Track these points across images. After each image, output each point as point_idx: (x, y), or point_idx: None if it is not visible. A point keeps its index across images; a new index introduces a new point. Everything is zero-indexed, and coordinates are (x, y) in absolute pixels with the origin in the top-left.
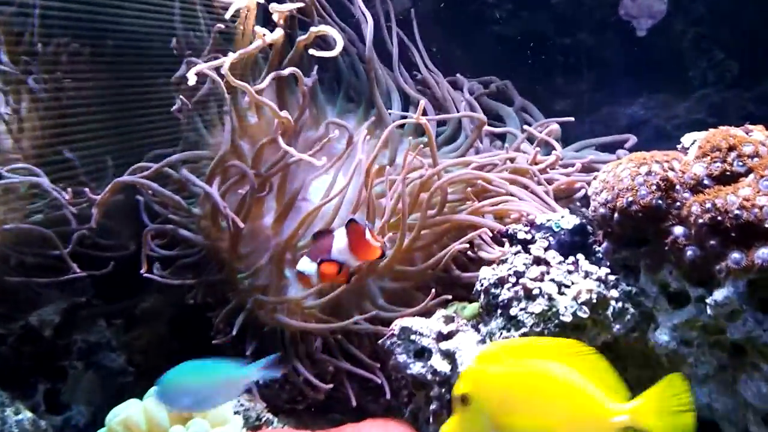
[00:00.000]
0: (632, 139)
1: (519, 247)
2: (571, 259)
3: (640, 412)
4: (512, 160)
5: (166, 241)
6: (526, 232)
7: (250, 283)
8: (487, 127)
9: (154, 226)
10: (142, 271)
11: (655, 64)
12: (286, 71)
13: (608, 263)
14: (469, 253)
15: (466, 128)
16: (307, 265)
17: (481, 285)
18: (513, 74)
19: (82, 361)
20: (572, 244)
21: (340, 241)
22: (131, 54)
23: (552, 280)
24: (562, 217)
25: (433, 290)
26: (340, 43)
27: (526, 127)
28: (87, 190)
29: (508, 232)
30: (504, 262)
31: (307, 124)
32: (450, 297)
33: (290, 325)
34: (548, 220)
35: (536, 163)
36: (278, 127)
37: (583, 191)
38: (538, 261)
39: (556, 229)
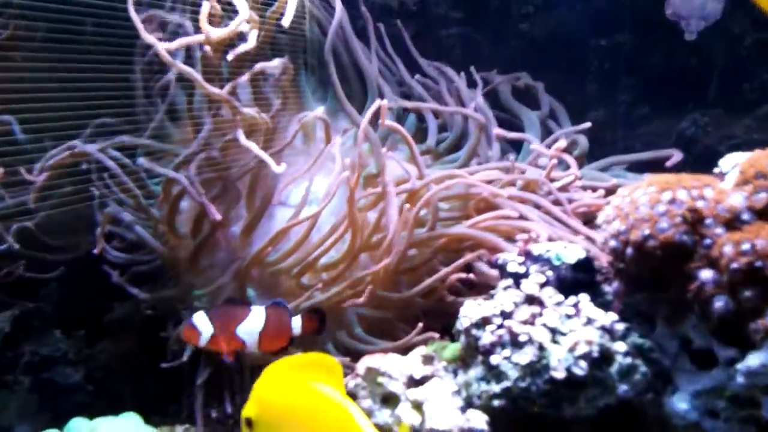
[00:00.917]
0: (676, 156)
1: (510, 281)
2: (572, 299)
3: None
4: (522, 172)
5: (124, 245)
6: (519, 264)
7: (207, 302)
8: (499, 131)
9: (115, 208)
10: (95, 251)
11: (707, 73)
12: (268, 66)
13: (618, 307)
14: (471, 276)
15: (472, 135)
16: (204, 323)
17: (462, 323)
18: (540, 78)
19: (29, 375)
20: (575, 281)
21: (255, 321)
22: (85, 32)
23: (545, 324)
24: (566, 247)
25: (420, 325)
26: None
27: (534, 146)
28: (22, 169)
29: (498, 262)
30: (492, 296)
31: (289, 121)
32: (436, 335)
33: (249, 353)
34: (547, 251)
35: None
36: (243, 124)
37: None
38: (530, 300)
39: (557, 262)
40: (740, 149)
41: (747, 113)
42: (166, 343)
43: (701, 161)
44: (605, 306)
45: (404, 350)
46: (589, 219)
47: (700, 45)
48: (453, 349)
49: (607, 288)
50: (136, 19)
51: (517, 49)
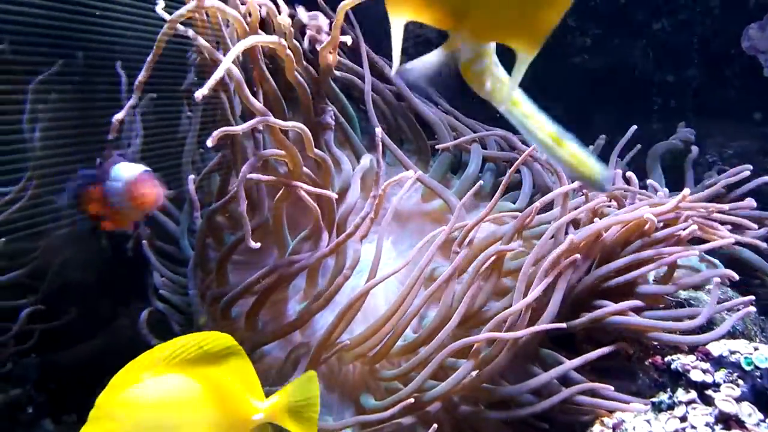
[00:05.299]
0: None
1: (693, 393)
2: None
3: (275, 409)
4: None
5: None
6: (704, 371)
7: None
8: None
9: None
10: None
11: None
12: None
13: None
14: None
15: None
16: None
17: None
18: (598, 116)
19: None
20: None
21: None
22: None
23: None
24: (757, 348)
25: None
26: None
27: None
28: None
29: (672, 367)
30: (660, 409)
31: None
32: None
33: None
34: (732, 352)
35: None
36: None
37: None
38: (726, 420)
39: (748, 367)
40: None
41: None
42: None
43: None
44: None
45: None
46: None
47: None
48: None
49: None
50: None
51: (572, 86)
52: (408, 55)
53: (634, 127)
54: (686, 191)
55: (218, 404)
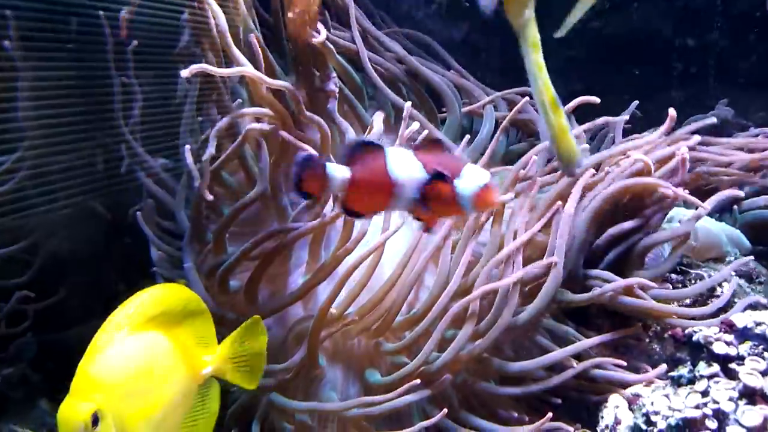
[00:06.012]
0: None
1: (715, 367)
2: None
3: (219, 361)
4: None
5: None
6: (727, 344)
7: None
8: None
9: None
10: None
11: None
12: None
13: None
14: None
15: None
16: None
17: (648, 421)
18: (614, 84)
19: None
20: None
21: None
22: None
23: None
24: None
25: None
26: None
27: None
28: None
29: (693, 339)
30: (680, 383)
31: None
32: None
33: None
34: (758, 323)
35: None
36: None
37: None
38: (751, 394)
39: None
40: None
41: None
42: None
43: None
44: None
45: None
46: None
47: None
48: None
49: None
50: None
51: (587, 52)
52: (417, 20)
53: (636, 102)
54: (672, 112)
55: (181, 363)
